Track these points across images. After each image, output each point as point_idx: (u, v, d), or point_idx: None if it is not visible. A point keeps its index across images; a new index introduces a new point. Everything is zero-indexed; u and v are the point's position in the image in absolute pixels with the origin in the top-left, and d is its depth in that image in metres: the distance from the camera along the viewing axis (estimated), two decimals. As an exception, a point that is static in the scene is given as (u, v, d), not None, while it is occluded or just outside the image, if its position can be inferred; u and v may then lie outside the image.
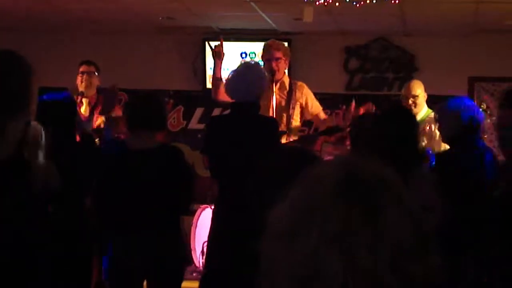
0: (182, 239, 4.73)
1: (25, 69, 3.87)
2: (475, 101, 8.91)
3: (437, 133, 6.39)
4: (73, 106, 5.16)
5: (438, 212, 3.91)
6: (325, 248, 1.11)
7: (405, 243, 1.14)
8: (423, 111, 6.73)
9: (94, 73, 7.04)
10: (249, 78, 5.17)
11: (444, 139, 5.16)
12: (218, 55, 6.19)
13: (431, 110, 6.65)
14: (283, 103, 6.35)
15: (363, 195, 1.16)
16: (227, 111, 9.45)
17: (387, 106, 4.88)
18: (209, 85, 9.60)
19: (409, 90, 6.83)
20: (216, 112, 9.75)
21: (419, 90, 6.78)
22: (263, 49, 6.40)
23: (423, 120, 6.50)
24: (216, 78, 6.19)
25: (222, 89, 5.91)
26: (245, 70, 5.29)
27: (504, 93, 5.52)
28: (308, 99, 6.48)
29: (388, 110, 4.56)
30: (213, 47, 6.31)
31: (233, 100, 5.32)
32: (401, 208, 1.17)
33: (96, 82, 7.05)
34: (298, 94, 6.40)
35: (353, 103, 6.26)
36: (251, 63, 5.86)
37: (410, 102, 6.70)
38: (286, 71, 6.43)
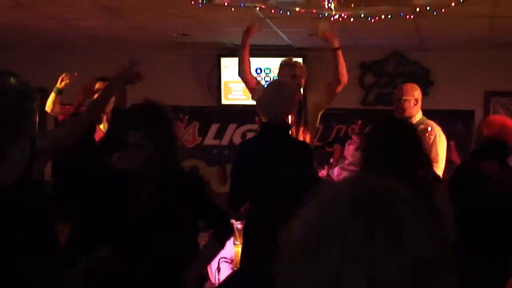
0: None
1: (16, 90, 3.78)
2: (490, 115, 8.88)
3: (432, 140, 6.34)
4: None
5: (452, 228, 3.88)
6: (348, 265, 1.11)
7: (424, 253, 1.14)
8: (417, 117, 6.43)
9: None
10: (282, 97, 5.13)
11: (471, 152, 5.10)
12: (246, 32, 6.39)
13: (425, 118, 6.53)
14: (292, 120, 6.34)
15: (380, 210, 1.16)
16: (242, 127, 9.51)
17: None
18: (224, 101, 9.66)
19: (398, 92, 6.55)
20: (232, 128, 9.78)
21: (415, 93, 6.46)
22: (280, 66, 6.40)
23: (417, 126, 6.39)
24: (242, 60, 6.36)
25: (246, 69, 6.34)
26: (277, 88, 5.26)
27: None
28: (318, 94, 6.42)
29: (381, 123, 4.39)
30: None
31: (264, 119, 5.27)
32: (419, 223, 1.17)
33: (112, 98, 7.11)
34: (311, 108, 6.35)
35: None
36: (281, 82, 5.82)
37: (396, 103, 6.47)
38: (302, 90, 6.39)
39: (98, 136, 5.96)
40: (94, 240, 4.23)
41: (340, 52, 6.28)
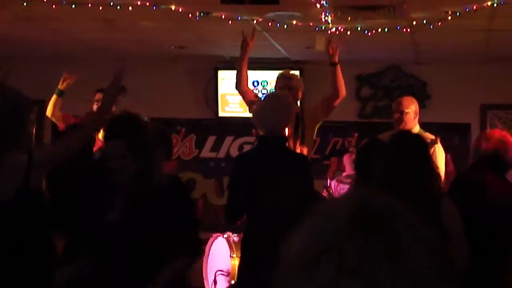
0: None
1: (12, 101, 3.78)
2: (487, 129, 8.90)
3: (432, 152, 6.33)
4: None
5: (462, 245, 3.90)
6: (345, 280, 1.12)
7: (423, 270, 1.14)
8: (414, 130, 6.29)
9: None
10: (278, 110, 5.13)
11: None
12: (244, 45, 6.31)
13: (423, 130, 6.51)
14: (289, 132, 6.33)
15: (377, 225, 1.16)
16: (239, 139, 9.50)
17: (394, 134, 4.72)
18: (221, 113, 9.67)
19: (397, 105, 6.50)
20: (229, 140, 9.78)
21: (411, 106, 6.44)
22: (277, 79, 6.40)
23: None
24: (240, 73, 6.32)
25: (244, 82, 6.28)
26: (274, 101, 5.26)
27: None
28: (315, 107, 6.42)
29: (396, 139, 4.39)
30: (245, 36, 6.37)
31: (261, 131, 5.27)
32: (416, 237, 1.17)
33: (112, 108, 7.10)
34: (308, 121, 6.35)
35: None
36: (278, 94, 5.82)
37: (397, 117, 6.42)
38: (299, 102, 6.39)
39: (97, 146, 5.95)
40: (83, 251, 4.22)
41: (338, 67, 6.28)
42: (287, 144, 5.37)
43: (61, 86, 7.20)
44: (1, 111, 3.68)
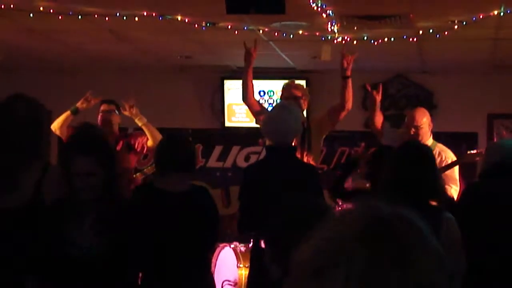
0: (211, 277, 4.63)
1: (31, 113, 3.79)
2: (495, 138, 8.89)
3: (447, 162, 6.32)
4: None
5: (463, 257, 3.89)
6: None
7: (433, 281, 1.14)
8: (428, 142, 6.26)
9: (114, 111, 7.12)
10: (287, 120, 5.13)
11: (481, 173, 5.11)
12: (248, 57, 6.29)
13: (436, 142, 6.48)
14: (296, 142, 6.34)
15: (387, 235, 1.16)
16: (246, 149, 9.49)
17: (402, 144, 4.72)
18: (227, 123, 9.68)
19: (411, 120, 6.43)
20: (235, 150, 9.78)
21: (424, 119, 6.39)
22: (283, 88, 6.41)
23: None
24: (246, 85, 6.32)
25: (250, 94, 6.31)
26: (282, 111, 5.26)
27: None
28: (321, 117, 6.42)
29: (403, 149, 4.40)
30: (247, 48, 6.34)
31: (270, 142, 5.26)
32: (426, 247, 1.17)
33: (116, 120, 7.13)
34: (314, 131, 6.35)
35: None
36: (286, 104, 5.82)
37: (412, 132, 6.34)
38: (304, 112, 6.39)
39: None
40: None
41: (350, 80, 6.28)
42: (296, 153, 5.37)
43: (80, 105, 7.18)
44: (23, 120, 3.72)
